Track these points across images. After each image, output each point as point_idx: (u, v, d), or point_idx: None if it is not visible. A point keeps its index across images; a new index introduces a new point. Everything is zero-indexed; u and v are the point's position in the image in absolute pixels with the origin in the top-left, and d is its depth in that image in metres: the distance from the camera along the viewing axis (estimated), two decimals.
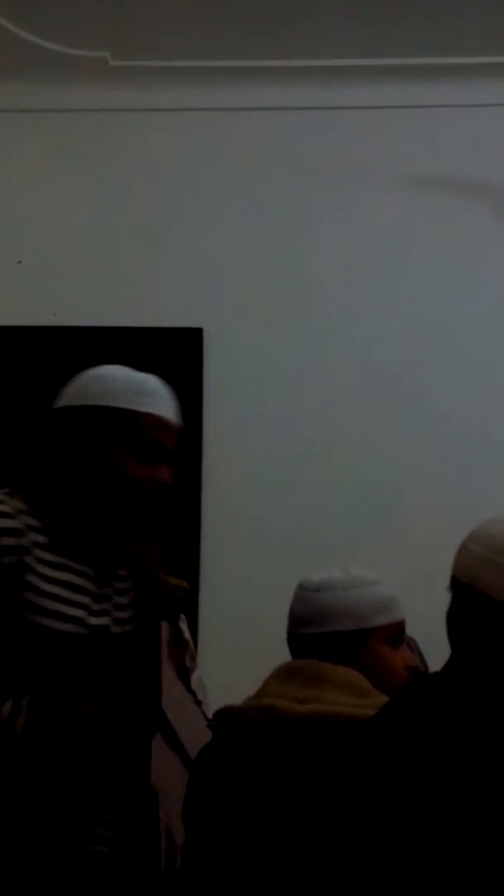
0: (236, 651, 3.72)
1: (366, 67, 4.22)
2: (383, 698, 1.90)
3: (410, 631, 2.40)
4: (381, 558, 3.80)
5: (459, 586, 1.78)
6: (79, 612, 2.01)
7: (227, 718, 2.04)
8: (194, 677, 2.73)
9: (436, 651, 1.96)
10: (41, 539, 2.02)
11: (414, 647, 2.66)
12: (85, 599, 2.03)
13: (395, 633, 2.17)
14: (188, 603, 2.69)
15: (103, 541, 2.10)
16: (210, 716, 2.78)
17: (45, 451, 2.11)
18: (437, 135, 4.28)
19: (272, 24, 4.09)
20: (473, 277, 4.21)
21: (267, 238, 4.25)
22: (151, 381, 2.20)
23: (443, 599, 1.83)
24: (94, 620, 2.03)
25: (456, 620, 1.79)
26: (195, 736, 2.51)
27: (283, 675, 2.08)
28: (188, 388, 4.14)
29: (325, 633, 2.13)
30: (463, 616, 1.77)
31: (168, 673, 2.45)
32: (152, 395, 2.15)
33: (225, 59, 4.22)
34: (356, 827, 1.66)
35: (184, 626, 2.68)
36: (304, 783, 1.84)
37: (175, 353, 4.18)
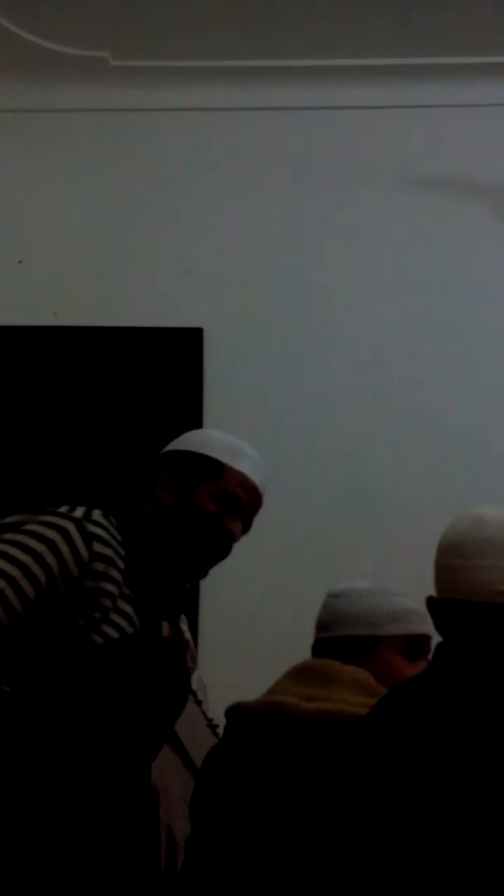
0: (236, 651, 3.72)
1: (366, 67, 4.22)
2: None
3: None
4: (381, 558, 3.82)
5: (430, 602, 1.84)
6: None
7: (237, 714, 2.05)
8: (194, 677, 2.73)
9: None
10: (121, 567, 2.14)
11: None
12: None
13: (411, 645, 2.18)
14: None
15: (172, 581, 2.26)
16: (210, 716, 2.78)
17: (142, 489, 2.30)
18: (437, 135, 4.28)
19: (272, 24, 4.09)
20: (473, 277, 4.21)
21: (267, 238, 4.25)
22: (250, 447, 2.35)
23: None
24: None
25: (439, 630, 1.82)
26: (195, 736, 2.52)
27: (293, 674, 2.10)
28: (188, 388, 4.15)
29: (337, 637, 2.17)
30: (438, 626, 1.80)
31: None
32: (246, 457, 2.32)
33: (225, 59, 4.22)
34: (354, 826, 1.66)
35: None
36: (310, 780, 1.85)
37: (175, 353, 4.18)
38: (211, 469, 2.28)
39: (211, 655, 3.49)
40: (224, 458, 2.29)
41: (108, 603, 2.09)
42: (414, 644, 2.18)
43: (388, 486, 4.03)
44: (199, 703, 2.74)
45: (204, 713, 2.75)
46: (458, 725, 1.64)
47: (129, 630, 2.13)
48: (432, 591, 1.90)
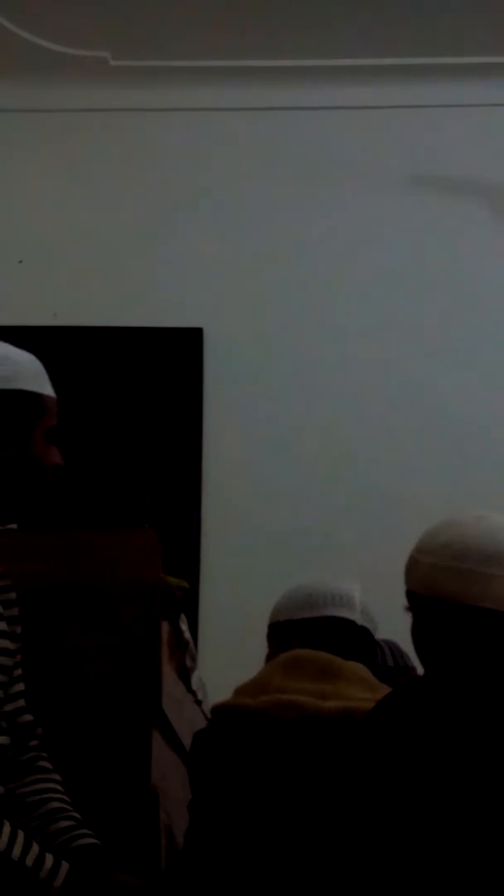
0: (236, 651, 3.71)
1: (366, 67, 4.22)
2: (387, 689, 1.90)
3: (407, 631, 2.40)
4: (381, 558, 3.81)
5: (421, 601, 1.76)
6: None
7: (235, 715, 1.99)
8: (194, 677, 2.73)
9: None
10: None
11: (394, 649, 2.66)
12: None
13: None
14: (188, 603, 2.69)
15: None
16: (210, 716, 2.78)
17: None
18: (437, 135, 4.28)
19: (272, 24, 4.09)
20: (473, 277, 4.21)
21: (267, 238, 4.25)
22: (35, 357, 2.02)
23: None
24: None
25: (425, 634, 1.77)
26: None
27: (287, 666, 2.05)
28: (188, 388, 4.15)
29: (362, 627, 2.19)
30: (433, 628, 1.75)
31: (168, 673, 2.45)
32: (45, 375, 2.01)
33: (225, 59, 4.22)
34: (358, 826, 1.66)
35: (184, 626, 2.67)
36: (330, 779, 1.81)
37: (175, 353, 4.18)
38: (34, 407, 1.96)
39: (211, 655, 3.49)
40: (39, 388, 1.97)
41: None
42: None
43: (389, 486, 4.03)
44: (198, 703, 2.74)
45: (204, 713, 2.75)
46: (479, 732, 1.63)
47: None
48: None
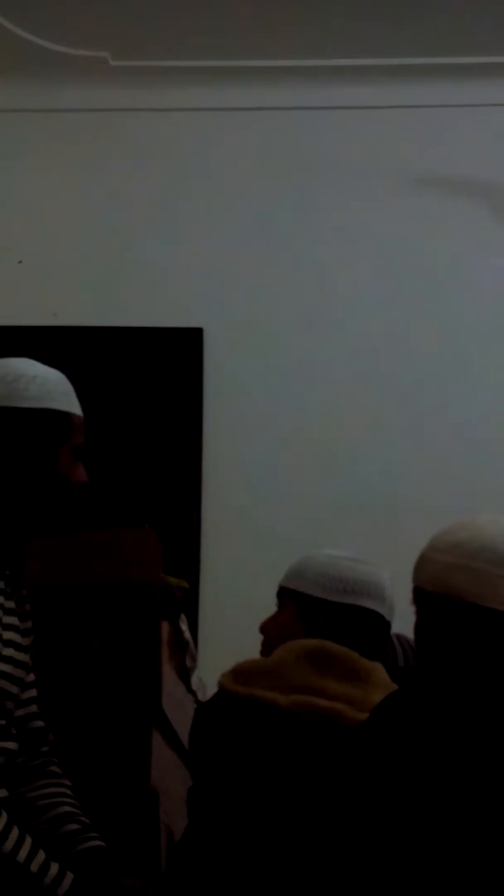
0: (236, 651, 3.71)
1: (366, 67, 4.22)
2: None
3: (408, 629, 2.40)
4: (381, 558, 3.81)
5: (430, 597, 1.76)
6: None
7: (255, 709, 1.91)
8: (194, 677, 2.73)
9: None
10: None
11: (406, 646, 2.66)
12: None
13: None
14: (188, 603, 2.69)
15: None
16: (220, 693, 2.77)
17: None
18: (437, 135, 4.28)
19: (272, 24, 4.09)
20: (473, 277, 4.21)
21: (267, 238, 4.25)
22: (64, 376, 2.06)
23: None
24: None
25: (431, 631, 1.77)
26: None
27: (311, 660, 1.99)
28: (188, 388, 4.15)
29: (375, 612, 2.17)
30: (440, 625, 1.75)
31: (168, 673, 2.45)
32: (72, 392, 2.03)
33: (225, 59, 4.22)
34: (366, 830, 1.66)
35: (184, 626, 2.68)
36: (347, 782, 1.78)
37: (175, 353, 4.19)
38: (62, 426, 1.97)
39: (211, 655, 3.49)
40: (67, 407, 1.98)
41: None
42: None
43: (389, 486, 4.03)
44: (198, 703, 2.74)
45: None
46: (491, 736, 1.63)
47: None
48: None
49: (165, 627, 2.47)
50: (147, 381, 4.18)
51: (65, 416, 1.98)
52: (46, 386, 1.98)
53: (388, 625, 2.20)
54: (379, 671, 2.01)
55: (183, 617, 2.67)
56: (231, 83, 4.27)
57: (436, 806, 1.61)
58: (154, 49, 4.21)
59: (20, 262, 4.26)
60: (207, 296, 4.22)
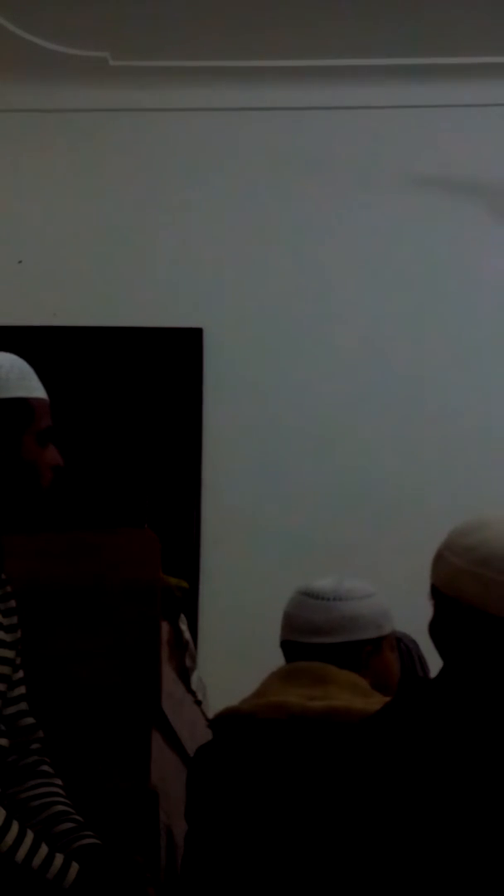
0: (236, 651, 3.72)
1: (366, 67, 4.22)
2: (385, 698, 1.90)
3: (411, 631, 2.40)
4: (381, 558, 3.82)
5: (443, 598, 1.75)
6: None
7: (229, 721, 2.02)
8: (194, 677, 2.73)
9: (435, 652, 1.96)
10: None
11: (413, 649, 2.66)
12: None
13: (394, 640, 2.20)
14: (188, 603, 2.69)
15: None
16: (210, 716, 2.78)
17: None
18: (437, 135, 4.28)
19: (272, 24, 4.10)
20: (473, 277, 4.22)
21: (267, 238, 4.25)
22: (20, 359, 2.00)
23: None
24: None
25: (443, 631, 1.77)
26: (195, 736, 2.51)
27: (284, 676, 2.07)
28: (188, 388, 4.15)
29: (353, 643, 2.13)
30: (450, 628, 1.75)
31: (168, 673, 2.45)
32: (33, 375, 1.98)
33: (225, 59, 4.22)
34: (362, 828, 1.66)
35: (184, 626, 2.67)
36: (318, 779, 1.82)
37: (175, 353, 4.19)
38: (21, 414, 1.94)
39: (211, 655, 3.50)
40: (25, 392, 1.95)
41: None
42: (395, 638, 2.21)
43: (389, 486, 4.03)
44: (198, 703, 2.74)
45: (203, 713, 2.75)
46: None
47: None
48: None
49: (165, 627, 2.47)
50: (147, 382, 4.18)
51: (22, 402, 1.94)
52: None
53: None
54: (348, 676, 2.04)
55: (183, 617, 2.66)
56: (231, 83, 4.27)
57: (436, 807, 1.61)
58: (154, 49, 4.21)
59: (20, 262, 4.26)
60: (207, 296, 4.22)
